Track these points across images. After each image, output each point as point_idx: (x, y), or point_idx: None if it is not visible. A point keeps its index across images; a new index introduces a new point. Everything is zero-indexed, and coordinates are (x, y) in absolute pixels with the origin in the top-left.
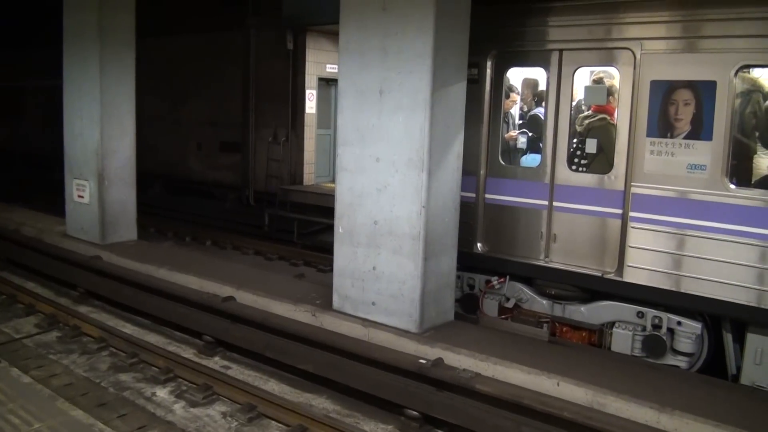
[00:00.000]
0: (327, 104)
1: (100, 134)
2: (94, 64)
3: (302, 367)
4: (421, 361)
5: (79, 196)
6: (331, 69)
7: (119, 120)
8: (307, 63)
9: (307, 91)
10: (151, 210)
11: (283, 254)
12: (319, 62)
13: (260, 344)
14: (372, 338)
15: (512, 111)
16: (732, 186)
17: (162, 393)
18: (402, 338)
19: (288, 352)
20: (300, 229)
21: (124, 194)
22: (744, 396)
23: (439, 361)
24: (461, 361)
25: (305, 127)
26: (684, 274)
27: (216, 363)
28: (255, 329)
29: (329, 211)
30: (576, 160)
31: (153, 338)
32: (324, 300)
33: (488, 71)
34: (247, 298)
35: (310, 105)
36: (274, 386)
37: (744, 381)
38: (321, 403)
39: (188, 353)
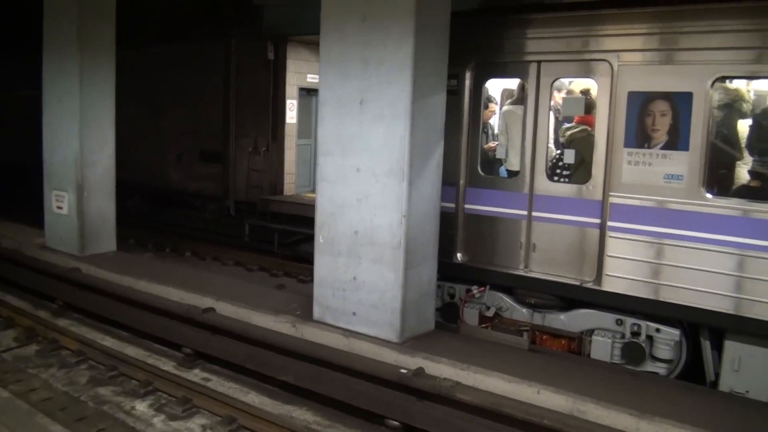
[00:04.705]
0: (308, 114)
1: (80, 144)
2: (74, 74)
3: (283, 379)
4: (402, 370)
5: (58, 207)
6: (311, 79)
7: (99, 130)
8: (287, 73)
9: (288, 101)
10: (131, 221)
11: (263, 265)
12: (300, 72)
13: (240, 356)
14: (353, 348)
15: (491, 121)
16: (709, 195)
17: (141, 406)
18: (383, 348)
19: (268, 363)
20: (280, 239)
21: (104, 205)
22: (722, 402)
23: (419, 371)
24: (442, 370)
25: (286, 137)
26: (662, 282)
27: (196, 375)
28: (235, 341)
29: (310, 221)
30: (558, 171)
31: (132, 351)
32: (304, 310)
33: (467, 82)
34: (227, 309)
35: (291, 115)
36: (254, 398)
37: (722, 387)
38: (302, 415)
39: (168, 366)
